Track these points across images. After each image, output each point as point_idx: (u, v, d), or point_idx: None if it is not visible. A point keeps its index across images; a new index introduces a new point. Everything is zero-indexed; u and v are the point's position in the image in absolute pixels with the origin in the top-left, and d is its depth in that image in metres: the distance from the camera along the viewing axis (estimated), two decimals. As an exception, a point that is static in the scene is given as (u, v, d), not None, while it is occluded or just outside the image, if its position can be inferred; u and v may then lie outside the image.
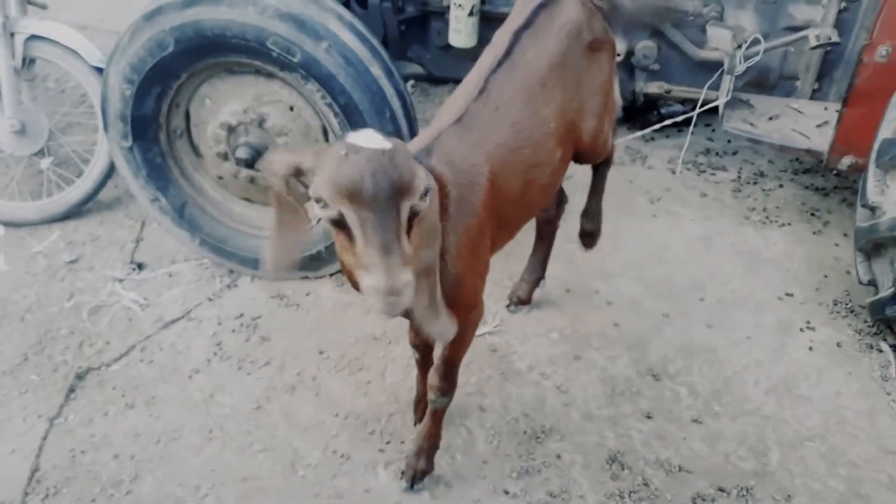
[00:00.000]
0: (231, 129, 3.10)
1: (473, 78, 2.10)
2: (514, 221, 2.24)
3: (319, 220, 1.43)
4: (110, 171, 3.69)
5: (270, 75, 2.99)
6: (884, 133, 2.61)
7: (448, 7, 3.53)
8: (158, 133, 3.18)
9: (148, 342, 3.09)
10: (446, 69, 3.91)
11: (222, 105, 3.09)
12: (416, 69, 4.02)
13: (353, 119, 2.91)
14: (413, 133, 3.12)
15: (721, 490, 2.50)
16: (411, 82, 5.03)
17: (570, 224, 3.12)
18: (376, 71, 2.93)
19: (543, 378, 2.86)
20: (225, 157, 3.18)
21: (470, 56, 3.64)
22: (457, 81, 4.41)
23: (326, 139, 3.09)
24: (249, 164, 3.12)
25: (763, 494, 2.50)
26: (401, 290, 1.34)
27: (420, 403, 2.68)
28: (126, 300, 3.30)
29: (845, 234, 3.53)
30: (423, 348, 2.50)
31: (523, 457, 2.59)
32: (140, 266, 3.48)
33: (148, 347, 3.07)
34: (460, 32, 3.54)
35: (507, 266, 3.34)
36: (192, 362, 2.99)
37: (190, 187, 3.32)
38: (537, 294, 3.17)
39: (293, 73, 2.87)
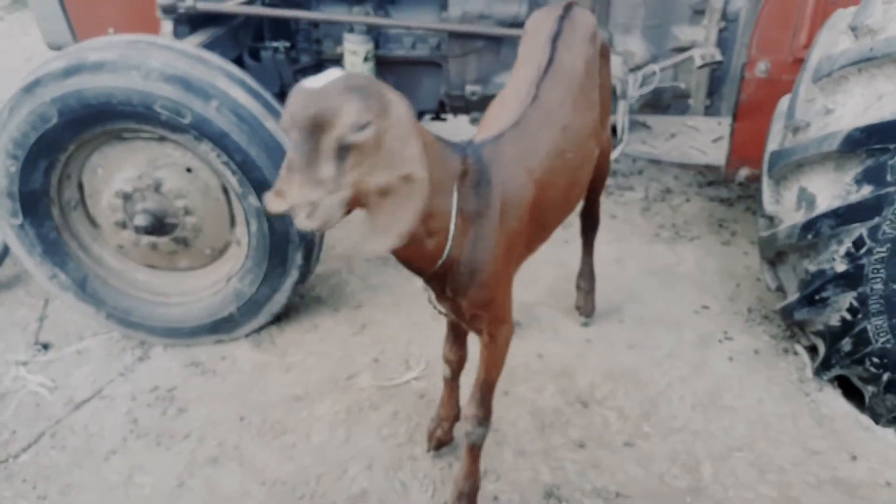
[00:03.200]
0: (127, 197, 3.00)
1: (523, 86, 2.20)
2: (552, 223, 2.32)
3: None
4: (5, 250, 3.52)
5: (163, 138, 2.91)
6: (771, 145, 2.70)
7: (342, 54, 3.52)
8: (50, 207, 3.04)
9: (58, 427, 2.91)
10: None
11: (115, 173, 2.99)
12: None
13: (251, 176, 2.85)
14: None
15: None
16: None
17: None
18: (272, 125, 2.88)
19: (473, 419, 2.82)
20: (123, 225, 3.07)
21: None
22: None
23: (227, 198, 3.02)
24: (150, 230, 3.02)
25: (698, 510, 2.51)
26: (303, 206, 1.43)
27: (437, 429, 2.65)
28: (32, 384, 3.11)
29: (753, 243, 3.63)
30: (455, 363, 2.51)
31: (458, 504, 2.53)
32: (45, 346, 3.30)
33: (59, 432, 2.89)
34: (358, 79, 3.52)
35: (427, 307, 3.31)
36: (107, 443, 2.83)
37: (89, 259, 3.19)
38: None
39: (185, 135, 2.80)
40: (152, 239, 3.08)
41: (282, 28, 3.61)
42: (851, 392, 2.89)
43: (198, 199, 3.02)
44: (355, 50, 3.44)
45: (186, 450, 2.78)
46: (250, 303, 3.13)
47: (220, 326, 3.19)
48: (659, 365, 3.01)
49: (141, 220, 3.00)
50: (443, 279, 1.95)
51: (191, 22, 3.33)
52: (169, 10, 3.19)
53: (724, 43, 3.31)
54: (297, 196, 1.44)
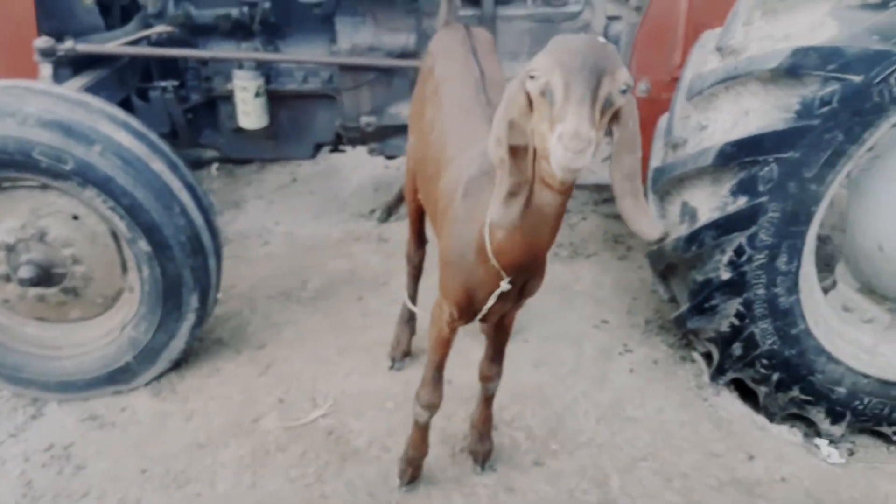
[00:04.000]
0: (10, 249, 2.86)
1: (469, 98, 2.29)
2: None
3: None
4: None
5: (45, 186, 2.80)
6: (654, 162, 2.80)
7: (233, 91, 3.48)
8: (-75, 263, 2.88)
9: (-57, 498, 2.74)
10: (242, 150, 3.84)
11: (-4, 224, 2.86)
12: (215, 153, 3.92)
13: (140, 220, 2.77)
14: (210, 224, 3.01)
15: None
16: (215, 165, 4.92)
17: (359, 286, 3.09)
18: (158, 166, 2.82)
19: (384, 451, 2.79)
20: (7, 278, 2.92)
21: (265, 135, 3.62)
22: (251, 161, 4.35)
23: (117, 244, 2.92)
24: (36, 282, 2.89)
25: (610, 522, 2.55)
26: (587, 138, 1.40)
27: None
28: (-87, 454, 2.91)
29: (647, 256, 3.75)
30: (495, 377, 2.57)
31: (372, 539, 2.50)
32: (-74, 412, 3.10)
33: (-56, 504, 2.72)
34: (249, 115, 3.49)
35: (334, 340, 3.28)
36: (-3, 511, 2.68)
37: (-28, 317, 3.02)
38: (366, 364, 3.13)
39: (68, 182, 2.70)
40: (40, 291, 2.94)
41: (170, 67, 3.55)
42: (749, 393, 3.01)
43: (86, 246, 2.91)
44: (246, 86, 3.41)
45: (85, 509, 2.65)
46: (147, 351, 3.03)
47: (117, 377, 3.07)
48: (563, 381, 3.06)
49: (26, 273, 2.86)
50: (541, 263, 2.03)
51: (72, 64, 3.24)
52: (47, 54, 3.09)
53: (606, 66, 3.42)
54: (585, 126, 1.41)
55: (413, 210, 2.94)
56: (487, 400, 2.65)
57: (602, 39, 1.56)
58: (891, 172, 2.54)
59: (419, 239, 3.06)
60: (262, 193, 4.68)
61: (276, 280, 3.72)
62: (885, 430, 2.95)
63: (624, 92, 1.52)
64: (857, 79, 2.25)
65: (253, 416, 2.95)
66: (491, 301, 2.04)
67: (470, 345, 3.18)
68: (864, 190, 2.60)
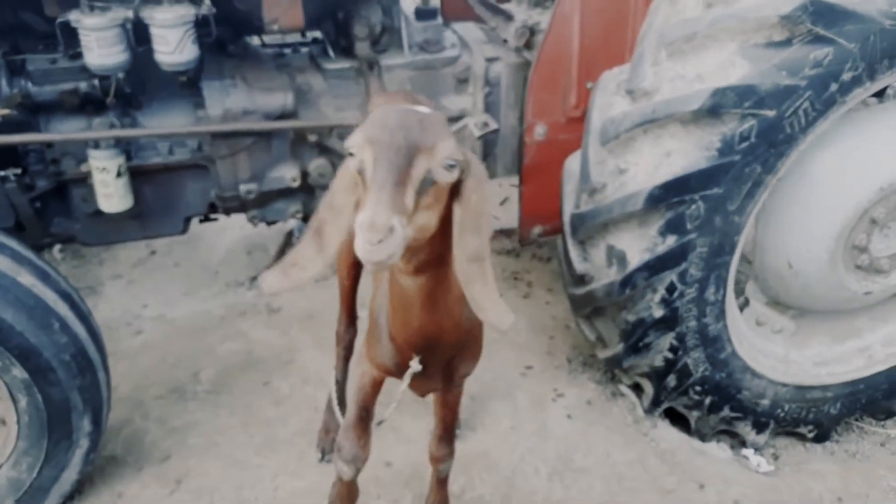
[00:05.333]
0: None
1: None
2: None
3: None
4: None
5: None
6: (568, 207, 2.77)
7: (89, 172, 3.06)
8: None
9: None
10: (103, 236, 3.39)
11: None
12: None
13: (11, 344, 2.36)
14: (93, 332, 2.63)
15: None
16: (58, 247, 4.37)
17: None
18: (27, 279, 2.42)
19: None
20: None
21: (129, 215, 3.23)
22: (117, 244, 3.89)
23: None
24: None
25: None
26: (383, 228, 1.31)
27: None
28: None
29: (549, 289, 3.74)
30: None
31: None
32: None
33: None
34: (111, 197, 3.08)
35: (248, 439, 2.96)
36: None
37: None
38: (293, 459, 2.85)
39: (-87, 313, 2.24)
40: None
41: (5, 154, 3.06)
42: (678, 416, 3.05)
43: (-57, 384, 2.44)
44: (105, 167, 3.01)
45: None
46: (32, 491, 2.59)
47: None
48: (505, 440, 2.95)
49: None
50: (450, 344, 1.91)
51: None
52: None
53: (490, 107, 3.37)
54: (381, 215, 1.32)
55: (345, 281, 2.72)
56: (440, 482, 2.50)
57: (424, 110, 1.50)
58: (795, 194, 2.65)
59: (350, 315, 2.83)
60: (120, 272, 4.20)
61: (162, 375, 3.32)
62: (802, 430, 3.11)
63: (452, 167, 1.44)
64: (770, 113, 2.33)
65: (175, 544, 2.60)
66: (406, 380, 1.95)
67: (405, 421, 2.98)
68: (770, 213, 2.70)
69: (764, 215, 2.71)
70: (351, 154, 1.46)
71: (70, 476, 2.62)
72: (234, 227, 4.43)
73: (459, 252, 1.53)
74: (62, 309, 2.49)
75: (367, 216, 1.33)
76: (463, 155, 1.49)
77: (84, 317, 2.61)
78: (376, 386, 2.15)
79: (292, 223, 4.42)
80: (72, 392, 2.49)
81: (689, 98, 2.34)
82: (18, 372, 2.40)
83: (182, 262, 4.27)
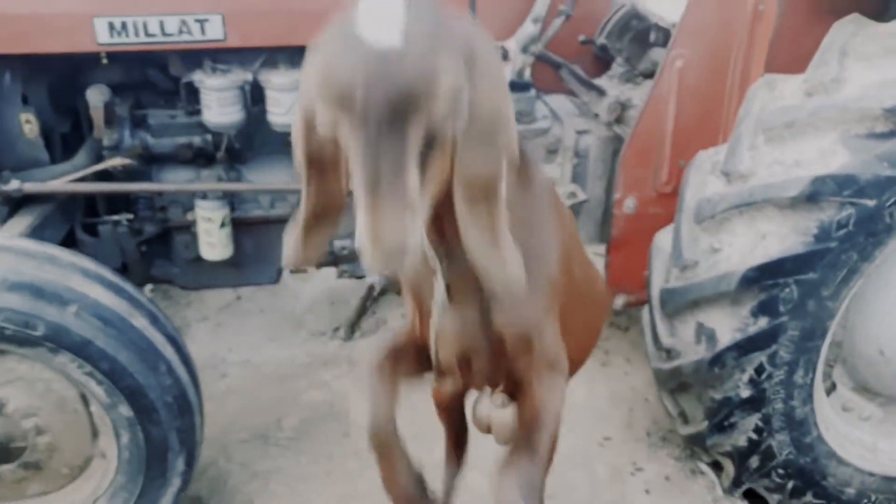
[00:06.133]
0: (-42, 426, 2.50)
1: None
2: None
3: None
4: None
5: (2, 352, 2.47)
6: (657, 282, 2.81)
7: (194, 221, 3.24)
8: None
9: None
10: (200, 281, 3.57)
11: (-57, 400, 2.49)
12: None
13: (121, 384, 2.48)
14: (193, 376, 2.75)
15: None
16: (149, 287, 4.58)
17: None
18: (140, 322, 2.55)
19: None
20: (-46, 460, 2.54)
21: (227, 263, 3.39)
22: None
23: (87, 408, 2.60)
24: (-7, 462, 2.53)
25: None
26: (395, 249, 1.02)
27: None
28: None
29: (628, 359, 3.75)
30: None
31: None
32: None
33: None
34: (214, 246, 3.26)
35: (329, 488, 3.03)
36: None
37: None
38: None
39: (37, 348, 2.39)
40: (-1, 469, 2.57)
41: (119, 199, 3.28)
42: (754, 499, 3.00)
43: (51, 414, 2.57)
44: (210, 217, 3.19)
45: None
46: (125, 524, 2.69)
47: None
48: (583, 512, 2.95)
49: (-21, 453, 2.50)
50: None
51: (10, 202, 2.94)
52: (-10, 195, 2.80)
53: (577, 177, 3.45)
54: (388, 231, 1.02)
55: (443, 423, 2.06)
56: None
57: (401, 31, 1.02)
58: (889, 282, 2.64)
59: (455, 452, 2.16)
60: (206, 315, 4.37)
61: (246, 420, 3.43)
62: (890, 523, 3.02)
63: (458, 104, 1.05)
64: (870, 203, 2.34)
65: (259, 589, 2.67)
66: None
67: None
68: (863, 299, 2.68)
69: (857, 300, 2.69)
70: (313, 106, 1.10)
71: (160, 513, 2.73)
72: (317, 278, 4.58)
73: (460, 178, 1.14)
74: (169, 352, 2.62)
75: (367, 234, 1.06)
76: (464, 56, 1.06)
77: (187, 361, 2.74)
78: (446, 404, 1.85)
79: (374, 277, 4.55)
80: (171, 432, 2.60)
81: (789, 184, 2.37)
82: (125, 410, 2.52)
83: (267, 309, 4.42)
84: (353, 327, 4.14)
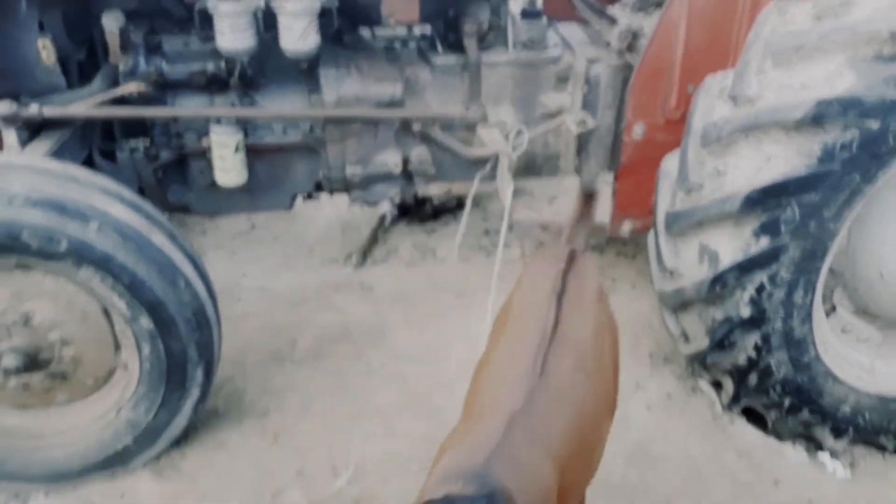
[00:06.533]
0: (-11, 337, 2.62)
1: (523, 356, 1.80)
2: None
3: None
4: None
5: (27, 266, 2.57)
6: (663, 205, 2.86)
7: (208, 147, 3.31)
8: None
9: None
10: (215, 207, 3.66)
11: (-29, 311, 2.60)
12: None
13: (142, 297, 2.59)
14: (211, 293, 2.85)
15: None
16: (165, 215, 4.66)
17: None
18: (158, 239, 2.65)
19: (418, 518, 2.71)
20: (-15, 369, 2.67)
21: (241, 189, 3.46)
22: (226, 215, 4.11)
23: (110, 322, 2.71)
24: (21, 370, 2.65)
25: (655, 566, 2.57)
26: None
27: None
28: None
29: (633, 286, 3.83)
30: None
31: None
32: None
33: None
34: (228, 171, 3.32)
35: (341, 404, 3.16)
36: None
37: (-56, 413, 2.74)
38: (381, 427, 3.03)
39: (61, 263, 2.49)
40: (24, 378, 2.70)
41: (135, 125, 3.34)
42: (752, 417, 3.10)
43: (76, 327, 2.69)
44: (225, 142, 3.25)
45: None
46: (147, 431, 2.83)
47: (114, 461, 2.85)
48: (585, 426, 3.06)
49: (10, 361, 2.62)
50: None
51: (30, 127, 3.00)
52: (11, 120, 2.86)
53: (587, 105, 3.48)
54: None
55: None
56: None
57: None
58: (891, 205, 2.68)
59: None
60: (222, 243, 4.46)
61: (262, 341, 3.55)
62: (883, 441, 3.11)
63: None
64: (875, 125, 2.37)
65: (272, 492, 2.81)
66: None
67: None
68: (865, 222, 2.73)
69: (859, 224, 2.75)
70: None
71: (180, 422, 2.85)
72: (329, 207, 4.65)
73: None
74: (187, 269, 2.72)
75: None
76: None
77: (205, 278, 2.84)
78: None
79: (385, 207, 4.62)
80: (189, 345, 2.72)
81: (794, 106, 2.41)
82: (146, 322, 2.63)
83: (281, 237, 4.51)
84: (364, 255, 4.23)
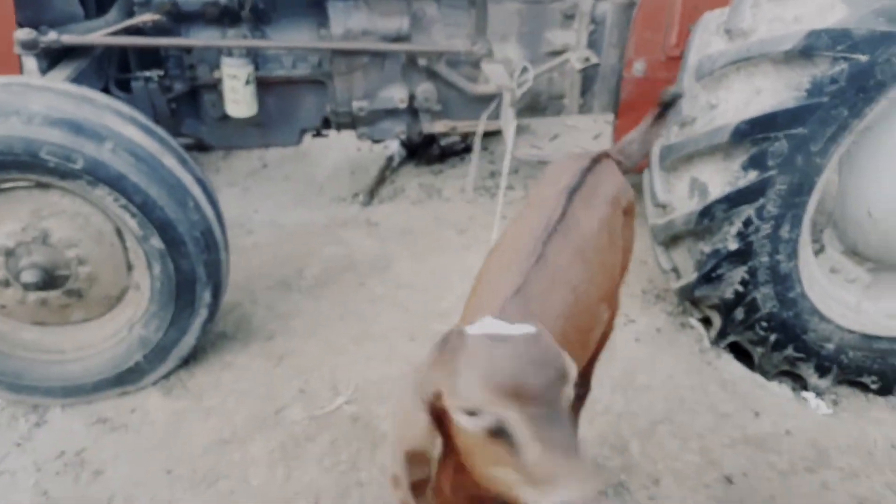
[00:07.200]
0: (10, 253, 2.75)
1: (527, 242, 1.87)
2: None
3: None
4: None
5: (46, 185, 2.70)
6: (660, 139, 2.92)
7: (220, 79, 3.40)
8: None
9: (-45, 517, 2.64)
10: (227, 139, 3.77)
11: (-7, 228, 2.74)
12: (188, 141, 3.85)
13: (153, 217, 2.71)
14: (219, 217, 2.97)
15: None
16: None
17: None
18: (169, 161, 2.76)
19: (412, 434, 2.84)
20: (6, 283, 2.81)
21: (251, 122, 3.57)
22: (237, 149, 4.24)
23: (123, 242, 2.85)
24: (40, 286, 2.80)
25: (635, 485, 2.68)
26: (591, 472, 1.14)
27: None
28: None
29: (631, 228, 3.90)
30: None
31: (415, 519, 2.56)
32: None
33: (-44, 523, 2.62)
34: (239, 103, 3.42)
35: (345, 329, 3.29)
36: (18, 523, 2.60)
37: (-35, 325, 2.90)
38: (382, 350, 3.17)
39: (77, 181, 2.62)
40: (42, 295, 2.84)
41: (150, 56, 3.44)
42: (744, 354, 3.20)
43: (91, 246, 2.83)
44: (236, 74, 3.34)
45: (114, 514, 2.61)
46: (157, 349, 2.97)
47: (126, 378, 3.00)
48: (575, 355, 3.17)
49: (29, 277, 2.76)
50: None
51: (48, 56, 3.11)
52: (30, 46, 2.96)
53: (593, 44, 3.53)
54: (594, 482, 1.11)
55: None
56: None
57: (532, 329, 1.27)
58: (880, 144, 2.73)
59: None
60: (234, 181, 4.59)
61: (271, 270, 3.69)
62: (866, 380, 3.19)
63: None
64: (863, 58, 2.42)
65: (275, 408, 2.95)
66: None
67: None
68: (855, 161, 2.78)
69: (849, 162, 2.80)
70: (471, 413, 1.19)
71: (189, 341, 3.00)
72: (339, 148, 4.76)
73: None
74: (196, 191, 2.83)
75: (580, 492, 1.11)
76: None
77: (213, 202, 2.96)
78: None
79: (393, 147, 4.72)
80: (198, 265, 2.85)
81: (784, 38, 2.45)
82: (156, 242, 2.76)
83: (292, 175, 4.63)
84: (371, 194, 4.33)
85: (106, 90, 3.42)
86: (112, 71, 3.47)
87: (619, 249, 2.16)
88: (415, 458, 1.27)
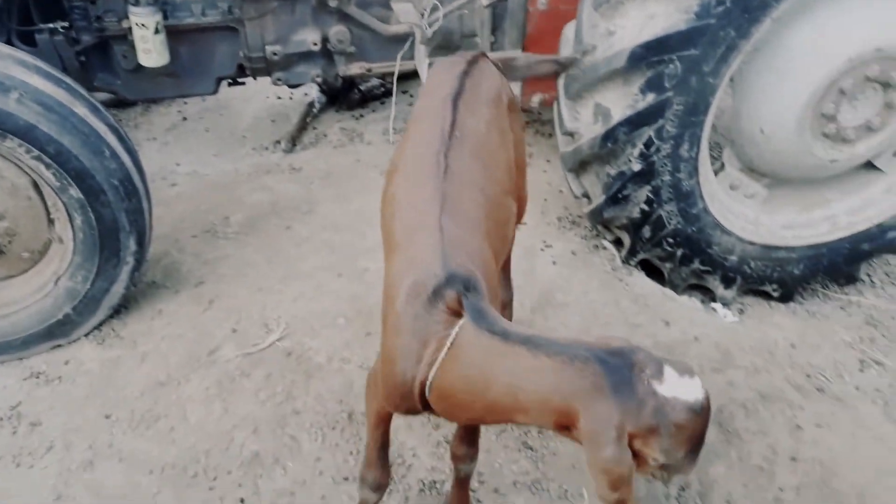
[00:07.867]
0: (-79, 211, 2.73)
1: (427, 157, 1.96)
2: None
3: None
4: None
5: (-49, 141, 2.67)
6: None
7: (129, 29, 3.37)
8: None
9: None
10: (142, 91, 3.74)
11: None
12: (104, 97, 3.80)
13: (69, 166, 2.71)
14: (137, 164, 2.98)
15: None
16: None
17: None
18: (81, 110, 2.75)
19: (345, 363, 2.96)
20: (-80, 245, 2.79)
21: (166, 72, 3.55)
22: (152, 101, 4.23)
23: (41, 195, 2.84)
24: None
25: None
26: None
27: None
28: None
29: (548, 161, 4.05)
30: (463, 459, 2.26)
31: (350, 441, 2.69)
32: None
33: None
34: (150, 52, 3.40)
35: (272, 270, 3.36)
36: (-44, 481, 2.62)
37: None
38: (310, 288, 3.26)
39: (-16, 134, 2.60)
40: (-38, 249, 2.83)
41: (52, 6, 3.37)
42: (655, 272, 3.40)
43: (6, 201, 2.81)
44: (144, 23, 3.31)
45: (53, 461, 2.65)
46: (86, 300, 3.00)
47: (56, 331, 3.02)
48: (497, 281, 3.33)
49: (-55, 234, 2.75)
50: None
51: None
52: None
53: (499, -17, 3.60)
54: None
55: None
56: (461, 482, 2.33)
57: (698, 384, 1.48)
58: (769, 62, 2.90)
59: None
60: (154, 135, 4.55)
61: (196, 218, 3.72)
62: (768, 288, 3.43)
63: None
64: (745, -21, 2.57)
65: (209, 349, 3.03)
66: None
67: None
68: (746, 81, 2.96)
69: (741, 82, 2.97)
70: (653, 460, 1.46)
71: (118, 290, 3.02)
72: (259, 98, 4.75)
73: None
74: (111, 139, 2.84)
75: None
76: None
77: (130, 150, 2.96)
78: (390, 418, 2.09)
79: (313, 94, 4.74)
80: (119, 213, 2.86)
81: (671, -37, 2.58)
82: (75, 192, 2.76)
83: (212, 127, 4.61)
84: (293, 140, 4.36)
85: (9, 44, 3.35)
86: (13, 24, 3.39)
87: (510, 143, 2.28)
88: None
